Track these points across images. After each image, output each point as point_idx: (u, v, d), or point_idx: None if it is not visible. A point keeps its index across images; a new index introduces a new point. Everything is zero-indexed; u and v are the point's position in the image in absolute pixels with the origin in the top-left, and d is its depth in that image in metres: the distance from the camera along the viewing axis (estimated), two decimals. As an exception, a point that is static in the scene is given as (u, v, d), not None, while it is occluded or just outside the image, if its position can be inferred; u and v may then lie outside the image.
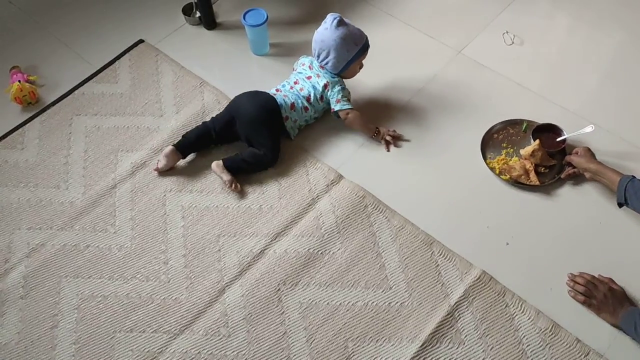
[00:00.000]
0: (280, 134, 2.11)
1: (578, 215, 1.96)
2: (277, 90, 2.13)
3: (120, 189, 2.05)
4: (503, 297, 1.78)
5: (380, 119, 2.19)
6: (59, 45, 2.49)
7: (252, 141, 2.06)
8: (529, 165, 2.03)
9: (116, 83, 2.34)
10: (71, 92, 2.31)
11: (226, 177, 2.01)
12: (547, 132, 2.08)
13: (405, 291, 1.81)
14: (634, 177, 1.84)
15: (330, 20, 2.03)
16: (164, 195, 2.03)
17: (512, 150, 2.11)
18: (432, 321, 1.75)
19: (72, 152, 2.15)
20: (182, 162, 2.10)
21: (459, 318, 1.75)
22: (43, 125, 2.23)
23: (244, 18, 2.31)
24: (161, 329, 1.77)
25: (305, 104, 2.10)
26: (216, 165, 2.02)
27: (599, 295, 1.75)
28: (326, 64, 2.08)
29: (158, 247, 1.92)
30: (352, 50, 2.06)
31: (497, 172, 2.05)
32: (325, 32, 2.04)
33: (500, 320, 1.75)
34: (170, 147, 2.05)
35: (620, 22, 2.49)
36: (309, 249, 1.90)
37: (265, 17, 2.31)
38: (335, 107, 2.10)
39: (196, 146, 2.10)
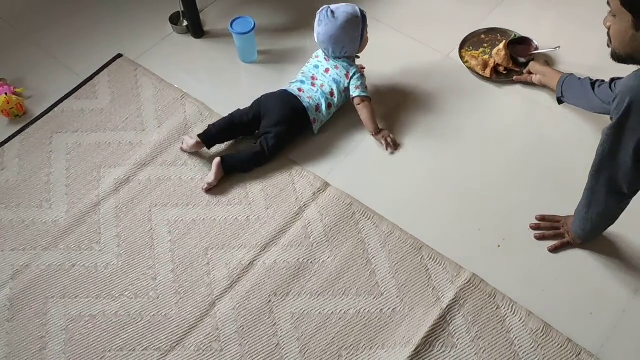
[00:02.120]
0: (301, 133, 2.14)
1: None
2: (299, 89, 2.13)
3: (104, 206, 2.02)
4: (494, 299, 1.79)
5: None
6: (45, 56, 2.46)
7: (268, 129, 2.07)
8: (491, 62, 2.29)
9: (96, 99, 2.32)
10: (51, 109, 2.28)
11: (212, 178, 2.02)
12: (525, 45, 2.36)
13: (397, 297, 1.81)
14: (572, 74, 2.08)
15: (324, 15, 2.06)
16: (150, 211, 2.01)
17: (489, 50, 2.38)
18: (425, 326, 1.75)
19: (53, 171, 2.12)
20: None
21: (451, 321, 1.76)
22: (22, 144, 2.19)
23: (232, 26, 2.30)
24: (152, 346, 1.75)
25: (330, 100, 2.12)
26: (215, 163, 2.03)
27: (565, 227, 1.88)
28: (345, 53, 2.10)
29: (145, 263, 1.90)
30: (358, 24, 2.07)
31: (465, 60, 2.34)
32: (328, 26, 2.05)
33: (491, 322, 1.75)
34: (195, 140, 2.07)
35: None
36: (298, 259, 1.89)
37: (253, 24, 2.30)
38: (355, 93, 2.12)
39: (220, 138, 2.11)
